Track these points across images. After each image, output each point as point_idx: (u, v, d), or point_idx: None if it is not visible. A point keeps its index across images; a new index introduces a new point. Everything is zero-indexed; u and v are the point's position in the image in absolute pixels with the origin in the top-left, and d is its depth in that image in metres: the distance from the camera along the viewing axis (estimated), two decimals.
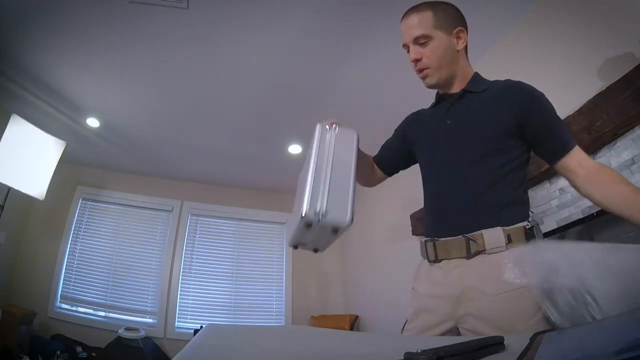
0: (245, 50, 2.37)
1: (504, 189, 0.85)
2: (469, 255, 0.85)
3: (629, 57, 1.45)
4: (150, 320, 3.55)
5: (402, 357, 0.36)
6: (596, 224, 1.67)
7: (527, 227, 0.86)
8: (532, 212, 0.91)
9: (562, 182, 1.71)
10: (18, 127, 2.55)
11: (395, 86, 2.59)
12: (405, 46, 0.99)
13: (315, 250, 0.89)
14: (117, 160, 3.80)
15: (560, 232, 1.85)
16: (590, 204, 1.55)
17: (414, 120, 1.15)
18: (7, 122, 2.50)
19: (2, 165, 2.44)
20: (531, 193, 1.86)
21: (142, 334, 3.17)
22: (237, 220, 4.21)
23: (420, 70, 0.97)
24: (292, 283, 4.05)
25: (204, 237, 4.07)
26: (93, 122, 3.15)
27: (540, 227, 1.76)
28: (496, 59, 2.22)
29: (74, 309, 3.41)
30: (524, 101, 0.90)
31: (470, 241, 0.85)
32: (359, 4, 2.00)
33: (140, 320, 3.51)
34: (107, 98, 2.87)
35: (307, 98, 2.73)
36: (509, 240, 0.83)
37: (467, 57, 1.01)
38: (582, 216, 1.60)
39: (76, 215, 3.69)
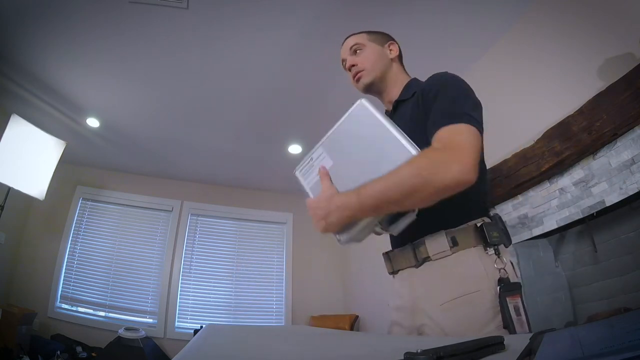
0: (245, 51, 2.37)
1: None
2: (417, 264, 0.83)
3: (629, 57, 1.45)
4: (150, 320, 3.54)
5: (402, 357, 0.36)
6: (596, 224, 1.67)
7: (478, 224, 0.79)
8: (492, 208, 0.85)
9: (562, 182, 1.70)
10: (18, 127, 2.55)
11: None
12: (344, 62, 1.07)
13: None
14: (117, 160, 3.80)
15: (561, 232, 1.85)
16: (591, 204, 1.56)
17: None
18: (7, 122, 2.50)
19: (2, 165, 2.44)
20: (531, 193, 1.86)
21: (142, 334, 3.17)
22: (237, 220, 4.20)
23: (355, 75, 1.02)
24: (292, 283, 4.05)
25: (204, 237, 4.07)
26: (93, 122, 3.15)
27: (540, 227, 1.77)
28: (496, 59, 2.22)
29: (74, 309, 3.41)
30: (425, 89, 0.86)
31: (416, 249, 0.84)
32: (359, 5, 2.00)
33: (140, 320, 3.51)
34: (106, 98, 2.87)
35: (307, 98, 2.73)
36: (455, 243, 0.78)
37: (402, 66, 1.07)
38: (582, 216, 1.60)
39: (76, 215, 3.69)
